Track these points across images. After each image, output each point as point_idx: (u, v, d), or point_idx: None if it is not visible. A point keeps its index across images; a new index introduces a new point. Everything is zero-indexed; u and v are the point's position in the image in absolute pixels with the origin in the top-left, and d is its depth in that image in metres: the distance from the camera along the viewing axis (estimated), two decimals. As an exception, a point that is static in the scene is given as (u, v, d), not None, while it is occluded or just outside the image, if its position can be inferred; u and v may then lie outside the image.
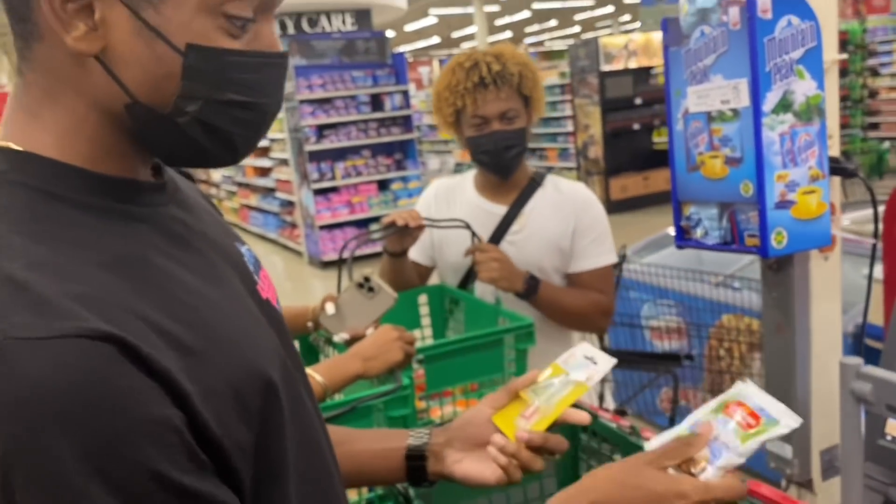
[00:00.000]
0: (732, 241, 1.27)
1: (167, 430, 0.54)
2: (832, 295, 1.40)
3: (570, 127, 11.16)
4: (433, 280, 2.04)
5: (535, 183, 1.89)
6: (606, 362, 0.95)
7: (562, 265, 1.86)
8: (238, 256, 0.76)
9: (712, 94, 1.23)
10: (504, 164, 1.80)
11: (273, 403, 0.66)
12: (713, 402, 0.83)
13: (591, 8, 25.23)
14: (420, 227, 1.76)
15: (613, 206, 9.46)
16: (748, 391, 0.83)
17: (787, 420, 0.79)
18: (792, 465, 1.42)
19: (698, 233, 1.32)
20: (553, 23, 28.38)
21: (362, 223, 8.63)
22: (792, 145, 1.19)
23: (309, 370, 1.22)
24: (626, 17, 26.74)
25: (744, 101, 1.17)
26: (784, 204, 1.19)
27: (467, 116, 1.78)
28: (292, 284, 8.22)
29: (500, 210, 1.87)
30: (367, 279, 1.56)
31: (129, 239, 0.62)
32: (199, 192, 0.83)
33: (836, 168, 1.27)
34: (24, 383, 0.50)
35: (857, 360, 1.19)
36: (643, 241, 4.28)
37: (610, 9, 25.40)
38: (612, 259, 1.88)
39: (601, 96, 9.91)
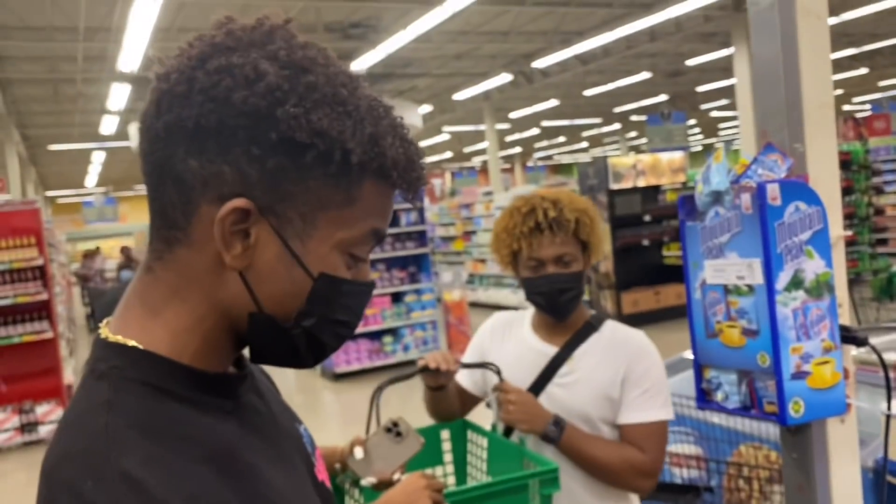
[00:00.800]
0: (752, 407, 1.33)
1: None
2: (850, 455, 1.44)
3: (580, 242, 11.34)
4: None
5: (591, 326, 1.86)
6: None
7: (611, 416, 1.79)
8: (299, 439, 0.83)
9: (728, 269, 1.32)
10: (558, 306, 1.80)
11: None
12: None
13: (599, 126, 26.13)
14: (452, 371, 1.79)
15: (625, 321, 9.35)
16: None
17: None
18: None
19: (719, 396, 1.38)
20: (561, 139, 29.31)
21: (376, 335, 8.69)
22: (805, 319, 1.27)
23: None
24: (633, 134, 27.58)
25: (758, 278, 1.27)
26: (800, 375, 1.26)
27: (523, 258, 1.81)
28: (304, 397, 8.18)
29: (551, 351, 1.85)
30: (395, 424, 1.61)
31: (223, 434, 0.69)
32: (261, 370, 0.91)
33: (847, 337, 1.34)
34: None
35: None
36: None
37: (616, 126, 26.29)
38: (665, 416, 1.78)
39: (611, 213, 10.16)
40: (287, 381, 8.77)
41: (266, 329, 0.71)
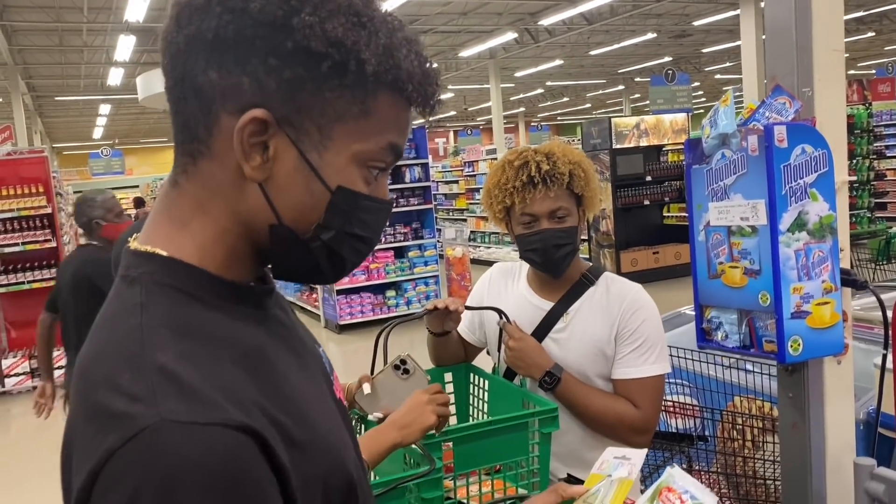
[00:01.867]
0: (751, 346, 1.37)
1: None
2: (845, 397, 1.48)
3: (582, 201, 11.36)
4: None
5: (586, 281, 1.83)
6: (639, 455, 1.03)
7: (606, 370, 1.78)
8: (319, 358, 0.86)
9: (732, 210, 1.35)
10: (553, 263, 1.77)
11: (353, 499, 0.74)
12: (648, 491, 0.91)
13: (603, 87, 25.89)
14: (459, 311, 1.81)
15: (624, 281, 9.54)
16: (675, 475, 0.91)
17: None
18: (809, 560, 1.47)
19: (719, 336, 1.42)
20: (565, 99, 29.07)
21: (379, 289, 8.78)
22: (807, 261, 1.30)
23: None
24: (636, 96, 27.35)
25: (762, 219, 1.29)
26: (800, 314, 1.29)
27: (516, 214, 1.77)
28: (306, 349, 8.28)
29: (547, 306, 1.84)
30: (403, 361, 1.64)
31: (249, 338, 0.72)
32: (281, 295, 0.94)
33: (847, 280, 1.37)
34: (176, 460, 0.57)
35: (870, 462, 1.27)
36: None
37: (620, 88, 26.05)
38: (658, 371, 1.76)
39: (613, 173, 10.15)
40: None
41: (286, 242, 0.72)
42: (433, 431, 1.44)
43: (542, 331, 1.83)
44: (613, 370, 1.78)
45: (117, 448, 0.58)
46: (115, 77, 15.94)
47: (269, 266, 0.79)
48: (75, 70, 16.89)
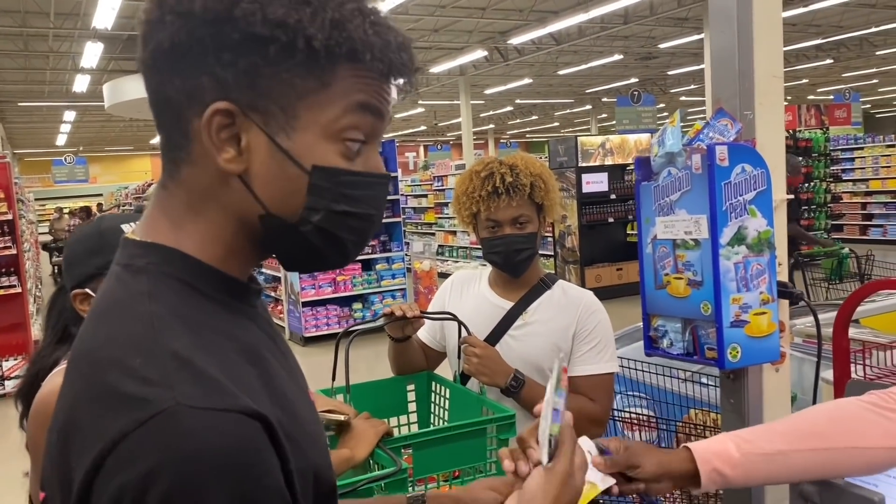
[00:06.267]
0: (694, 353, 1.45)
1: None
2: (783, 403, 1.57)
3: (548, 217, 11.52)
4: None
5: (544, 284, 1.98)
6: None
7: None
8: (296, 360, 0.87)
9: (677, 224, 1.43)
10: (513, 265, 1.91)
11: (332, 501, 0.75)
12: (552, 381, 0.95)
13: (571, 106, 26.24)
14: (417, 318, 1.86)
15: (588, 297, 9.65)
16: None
17: None
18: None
19: (665, 343, 1.49)
20: (534, 117, 29.38)
21: (345, 301, 8.78)
22: (745, 273, 1.38)
23: None
24: (603, 115, 27.76)
25: (704, 233, 1.37)
26: (738, 323, 1.37)
27: (482, 220, 1.92)
28: (270, 361, 8.21)
29: (506, 305, 1.97)
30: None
31: (248, 334, 0.74)
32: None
33: (783, 292, 1.46)
34: (193, 444, 0.59)
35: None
36: (617, 332, 4.44)
37: (588, 108, 26.43)
38: (611, 368, 1.92)
39: (578, 190, 10.32)
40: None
41: (278, 230, 0.73)
42: (393, 435, 1.51)
43: (501, 328, 1.94)
44: (572, 368, 1.89)
45: (131, 430, 0.59)
46: (81, 84, 15.72)
47: (277, 259, 0.79)
48: (40, 76, 16.63)
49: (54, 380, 1.48)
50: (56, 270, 14.82)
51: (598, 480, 1.09)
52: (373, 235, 0.80)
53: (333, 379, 1.72)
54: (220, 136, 0.70)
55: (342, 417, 1.56)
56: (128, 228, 1.55)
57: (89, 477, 0.60)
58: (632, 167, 10.88)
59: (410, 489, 1.57)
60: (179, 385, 0.61)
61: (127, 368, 0.63)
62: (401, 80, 0.75)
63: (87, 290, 1.51)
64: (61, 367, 1.51)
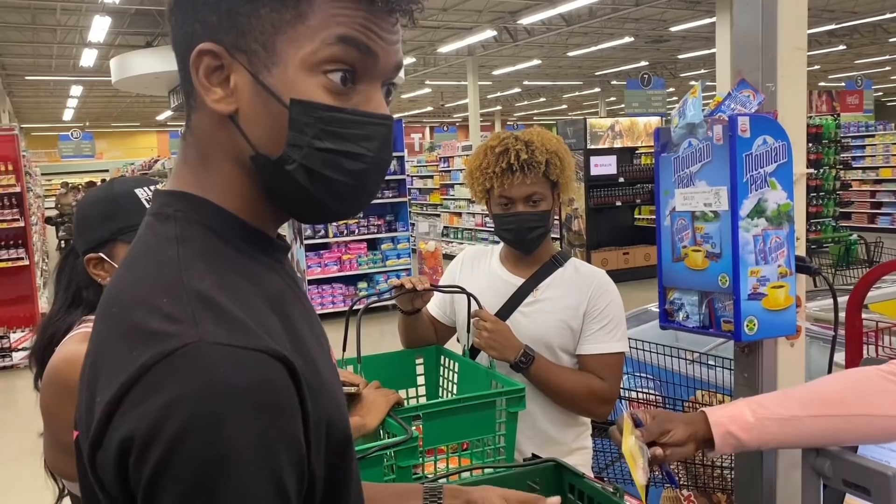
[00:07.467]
0: (710, 326, 1.44)
1: (299, 451, 0.64)
2: (797, 377, 1.56)
3: (555, 199, 11.51)
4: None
5: (556, 262, 1.96)
6: None
7: (570, 344, 1.89)
8: (319, 320, 0.86)
9: (697, 196, 1.42)
10: (525, 242, 1.90)
11: (348, 455, 0.75)
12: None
13: (580, 88, 26.08)
14: (427, 291, 1.87)
15: (594, 280, 9.66)
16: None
17: None
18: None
19: (680, 316, 1.49)
20: (542, 99, 29.23)
21: (350, 280, 8.81)
22: (764, 245, 1.37)
23: None
24: (612, 98, 27.60)
25: (724, 205, 1.36)
26: (756, 296, 1.37)
27: (495, 196, 1.89)
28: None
29: (518, 281, 1.95)
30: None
31: (271, 283, 0.74)
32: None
33: (801, 266, 1.45)
34: (215, 376, 0.59)
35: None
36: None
37: (596, 90, 26.27)
38: (621, 348, 1.89)
39: (586, 173, 10.28)
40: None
41: (267, 170, 0.73)
42: (403, 405, 1.51)
43: (512, 304, 1.93)
44: (582, 346, 1.88)
45: (154, 363, 0.60)
46: (88, 58, 15.67)
47: (283, 209, 0.78)
48: (47, 49, 16.56)
49: (67, 346, 1.48)
50: (62, 244, 14.85)
51: (641, 465, 1.10)
52: (378, 181, 0.77)
53: (344, 350, 1.72)
54: (209, 78, 0.72)
55: (353, 389, 1.56)
56: (141, 193, 1.55)
57: (110, 408, 0.60)
58: (641, 150, 10.85)
59: (420, 459, 1.59)
60: (204, 323, 0.62)
61: (153, 307, 0.64)
62: (394, 9, 0.72)
63: (101, 255, 1.50)
64: (74, 333, 1.51)
